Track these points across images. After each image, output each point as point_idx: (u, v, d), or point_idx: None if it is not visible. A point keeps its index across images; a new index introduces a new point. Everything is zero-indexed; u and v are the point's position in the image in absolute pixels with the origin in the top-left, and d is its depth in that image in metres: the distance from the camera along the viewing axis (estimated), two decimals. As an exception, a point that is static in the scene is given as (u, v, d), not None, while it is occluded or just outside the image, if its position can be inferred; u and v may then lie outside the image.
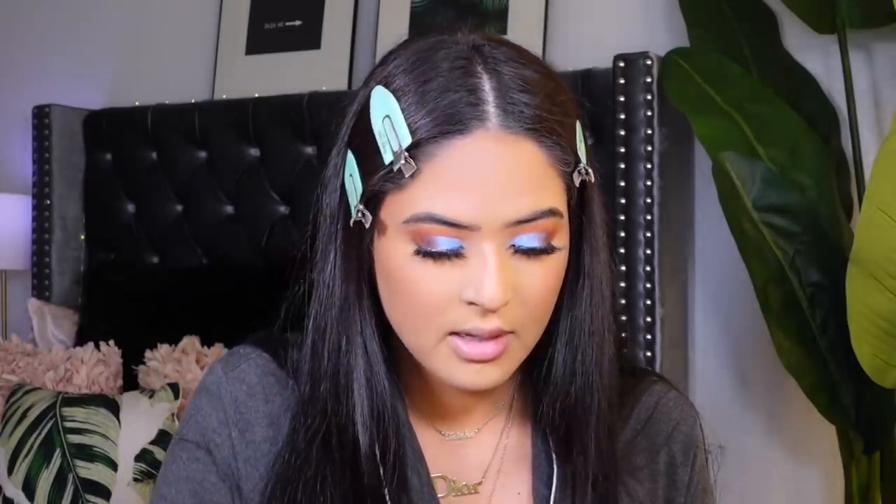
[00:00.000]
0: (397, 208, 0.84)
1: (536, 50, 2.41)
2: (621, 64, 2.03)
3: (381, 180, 0.84)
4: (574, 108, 0.89)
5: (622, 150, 2.02)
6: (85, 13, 2.96)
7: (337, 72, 2.52)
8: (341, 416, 0.90)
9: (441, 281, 0.84)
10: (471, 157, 0.83)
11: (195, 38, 2.78)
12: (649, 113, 2.01)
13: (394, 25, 2.46)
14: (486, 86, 0.84)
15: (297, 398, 0.93)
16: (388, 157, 0.84)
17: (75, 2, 2.99)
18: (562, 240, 0.87)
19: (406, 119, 0.83)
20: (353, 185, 0.87)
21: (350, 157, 0.88)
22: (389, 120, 0.84)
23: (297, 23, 2.62)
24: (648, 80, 2.02)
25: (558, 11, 2.35)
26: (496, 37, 0.89)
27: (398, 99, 0.84)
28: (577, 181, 0.88)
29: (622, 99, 2.03)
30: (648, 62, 2.02)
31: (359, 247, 0.89)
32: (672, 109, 2.02)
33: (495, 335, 0.85)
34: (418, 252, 0.84)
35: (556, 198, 0.86)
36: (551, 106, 0.85)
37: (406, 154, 0.83)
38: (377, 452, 0.90)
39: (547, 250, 0.85)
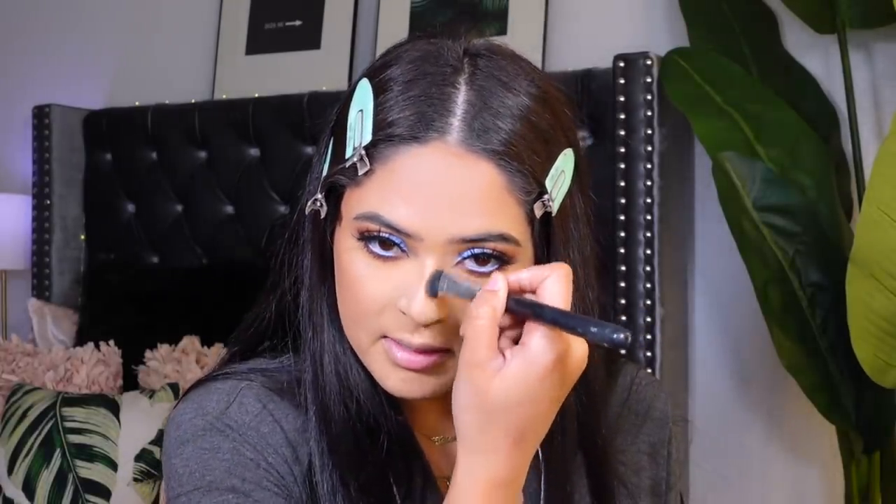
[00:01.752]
0: (352, 204, 0.84)
1: (536, 50, 2.42)
2: (621, 64, 2.03)
3: (339, 173, 0.84)
4: (564, 135, 0.86)
5: (622, 150, 2.02)
6: (85, 13, 2.96)
7: (337, 72, 2.52)
8: (338, 417, 0.89)
9: (382, 282, 0.83)
10: (423, 166, 0.81)
11: (195, 38, 2.78)
12: (649, 113, 2.01)
13: (394, 25, 2.46)
14: (460, 98, 0.82)
15: (308, 406, 0.91)
16: (349, 152, 0.84)
17: (75, 2, 2.99)
18: (519, 259, 0.83)
19: (376, 117, 0.83)
20: (323, 172, 0.89)
21: (330, 143, 0.89)
22: (361, 115, 0.84)
23: (297, 23, 2.62)
24: (648, 80, 2.02)
25: (558, 11, 2.35)
26: (499, 48, 0.86)
27: (378, 94, 0.84)
28: (538, 213, 0.83)
29: (622, 99, 2.03)
30: (648, 62, 2.02)
31: (322, 239, 0.89)
32: (672, 109, 2.02)
33: (424, 351, 0.83)
34: (361, 240, 0.83)
35: (512, 225, 0.82)
36: (527, 132, 0.82)
37: (363, 153, 0.82)
38: (384, 456, 0.89)
39: (498, 260, 0.82)
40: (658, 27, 2.27)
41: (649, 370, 1.10)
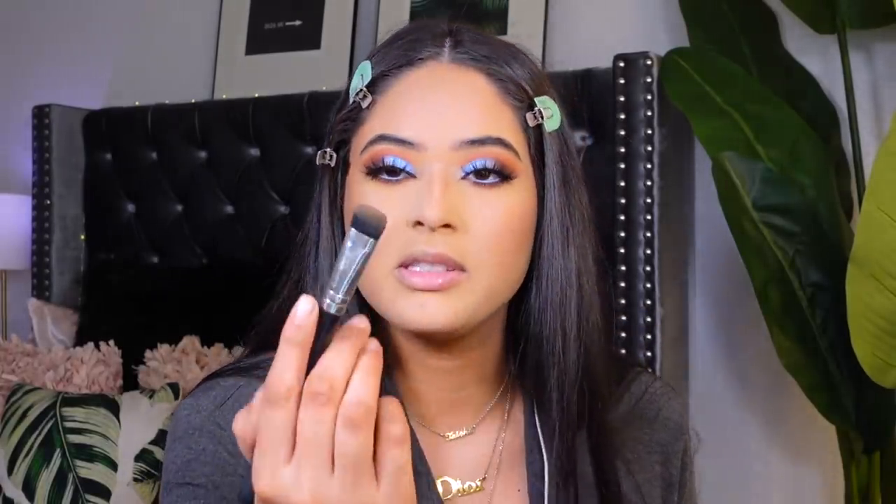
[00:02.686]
0: (358, 145, 0.89)
1: (536, 50, 2.42)
2: (621, 64, 2.03)
3: (345, 119, 0.90)
4: (548, 87, 0.91)
5: (622, 150, 2.02)
6: (85, 13, 2.97)
7: (337, 72, 2.52)
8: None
9: (392, 205, 0.84)
10: (419, 82, 0.88)
11: (195, 38, 2.78)
12: (649, 113, 2.01)
13: (394, 25, 2.45)
14: (448, 38, 0.90)
15: None
16: (352, 100, 0.90)
17: (75, 2, 2.99)
18: (519, 176, 0.87)
19: (373, 67, 0.90)
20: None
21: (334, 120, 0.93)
22: (361, 77, 0.91)
23: (297, 23, 2.62)
24: (648, 80, 2.02)
25: (558, 11, 2.35)
26: (475, 28, 0.93)
27: (374, 56, 0.91)
28: (531, 122, 0.89)
29: (622, 99, 2.03)
30: (648, 62, 2.02)
31: (333, 198, 0.92)
32: (672, 109, 2.02)
33: (441, 260, 0.83)
34: (369, 173, 0.86)
35: (508, 132, 0.87)
36: (513, 59, 0.90)
37: (364, 89, 0.89)
38: None
39: (499, 174, 0.86)
40: (658, 27, 2.27)
41: (649, 370, 1.09)
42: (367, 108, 0.89)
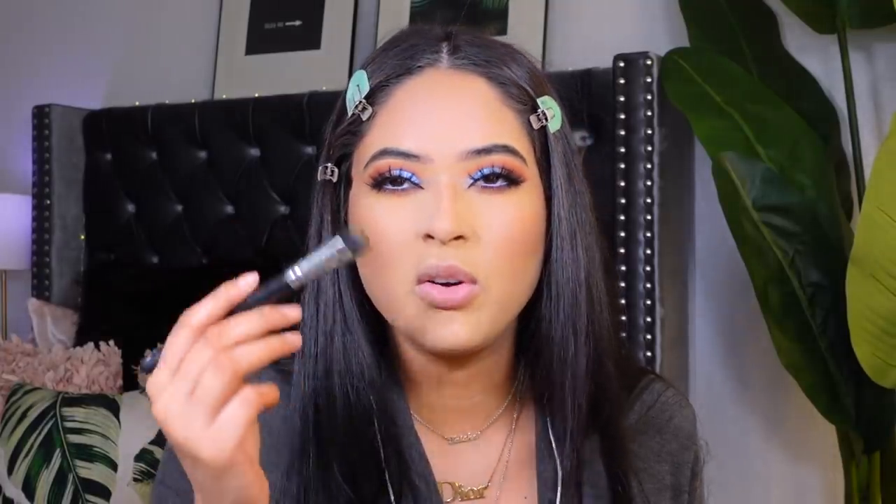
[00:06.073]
0: (361, 159, 0.87)
1: (536, 50, 2.42)
2: (621, 64, 2.03)
3: (345, 133, 0.88)
4: (547, 86, 0.90)
5: (622, 150, 2.02)
6: (85, 13, 2.96)
7: (337, 72, 2.52)
8: (337, 414, 0.89)
9: (401, 217, 0.84)
10: (419, 92, 0.86)
11: (195, 38, 2.78)
12: (649, 113, 2.01)
13: (394, 25, 2.44)
14: (444, 43, 0.89)
15: (293, 398, 0.91)
16: (351, 111, 0.89)
17: (75, 2, 2.99)
18: (527, 181, 0.86)
19: (370, 77, 0.89)
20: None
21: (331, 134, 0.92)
22: (358, 87, 0.89)
23: (297, 23, 2.62)
24: (648, 80, 2.02)
25: (558, 11, 2.35)
26: (471, 30, 0.92)
27: (369, 65, 0.90)
28: (535, 125, 0.88)
29: (622, 99, 2.03)
30: (648, 62, 2.02)
31: (336, 211, 0.90)
32: (672, 109, 2.02)
33: (452, 273, 0.83)
34: (374, 186, 0.85)
35: (513, 137, 0.86)
36: (512, 61, 0.89)
37: (363, 101, 0.88)
38: (382, 458, 0.89)
39: (507, 179, 0.85)
40: (658, 27, 2.27)
41: (663, 378, 1.08)
42: (368, 120, 0.87)
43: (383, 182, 0.85)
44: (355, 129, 0.88)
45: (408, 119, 0.85)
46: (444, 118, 0.85)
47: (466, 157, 0.84)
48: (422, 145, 0.84)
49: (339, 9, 2.57)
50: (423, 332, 0.85)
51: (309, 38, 2.60)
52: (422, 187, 0.85)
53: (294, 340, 0.74)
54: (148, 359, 0.77)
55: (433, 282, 0.84)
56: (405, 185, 0.85)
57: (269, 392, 0.74)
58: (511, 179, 0.85)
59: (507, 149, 0.85)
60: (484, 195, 0.85)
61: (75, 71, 2.96)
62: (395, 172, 0.84)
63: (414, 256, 0.84)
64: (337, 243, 0.74)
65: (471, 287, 0.84)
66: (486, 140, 0.84)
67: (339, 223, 0.90)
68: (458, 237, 0.83)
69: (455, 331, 0.84)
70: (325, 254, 0.74)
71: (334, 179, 0.90)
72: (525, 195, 0.86)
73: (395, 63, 0.88)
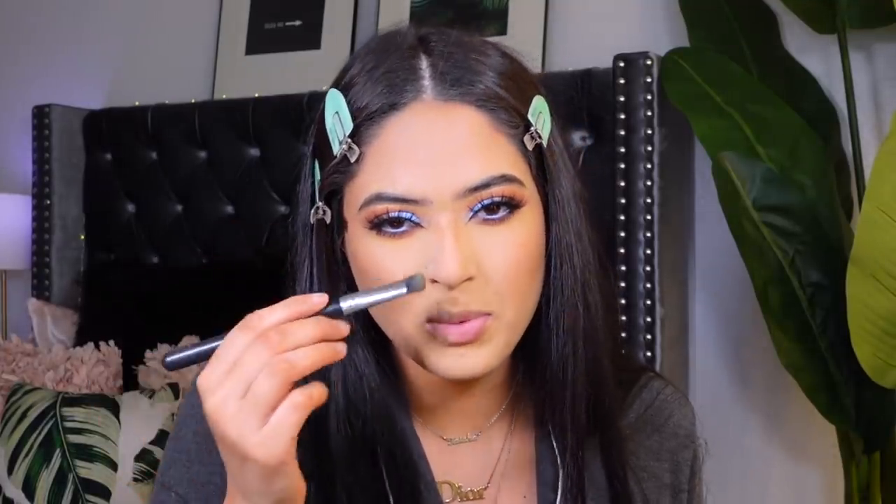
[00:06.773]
0: (353, 200, 0.85)
1: (536, 50, 2.42)
2: (621, 64, 2.03)
3: (333, 172, 0.85)
4: (533, 83, 0.88)
5: (622, 150, 2.02)
6: (85, 13, 2.96)
7: (337, 72, 2.51)
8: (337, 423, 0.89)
9: (404, 259, 0.82)
10: (408, 130, 0.82)
11: (195, 38, 2.78)
12: (649, 113, 2.01)
13: (394, 26, 2.45)
14: (424, 64, 0.85)
15: None
16: (336, 149, 0.85)
17: (75, 2, 2.99)
18: (528, 202, 0.84)
19: (351, 109, 0.85)
20: (317, 188, 0.89)
21: (314, 162, 0.90)
22: (338, 116, 0.86)
23: (297, 23, 2.62)
24: (648, 80, 2.02)
25: (558, 11, 2.35)
26: (444, 28, 0.89)
27: (347, 92, 0.86)
28: (529, 146, 0.85)
29: (622, 99, 2.03)
30: (648, 62, 2.02)
31: (330, 250, 0.89)
32: (672, 109, 2.02)
33: (466, 318, 0.82)
34: (372, 227, 0.83)
35: (510, 164, 0.83)
36: (496, 75, 0.85)
37: (349, 140, 0.84)
38: (381, 459, 0.89)
39: (508, 206, 0.83)
40: (658, 27, 2.27)
41: (661, 375, 1.08)
42: (357, 160, 0.84)
43: (381, 224, 0.83)
44: (343, 168, 0.85)
45: (400, 160, 0.82)
46: (437, 157, 0.81)
47: (465, 194, 0.82)
48: (418, 188, 0.81)
49: (339, 9, 2.57)
50: (437, 366, 0.85)
51: (309, 38, 2.60)
52: (422, 226, 0.83)
53: (342, 349, 0.76)
54: (176, 356, 0.77)
55: (443, 323, 0.83)
56: (405, 227, 0.83)
57: (318, 394, 0.75)
58: (512, 206, 0.83)
59: (505, 178, 0.82)
60: (486, 227, 0.83)
61: (75, 71, 2.96)
62: (394, 215, 0.82)
63: (422, 297, 0.82)
64: (401, 288, 0.78)
65: (484, 319, 0.83)
66: (483, 174, 0.82)
67: (338, 264, 0.89)
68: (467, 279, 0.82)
69: (471, 364, 0.84)
70: (387, 295, 0.78)
71: (328, 220, 0.88)
72: (527, 216, 0.85)
73: (376, 95, 0.84)
